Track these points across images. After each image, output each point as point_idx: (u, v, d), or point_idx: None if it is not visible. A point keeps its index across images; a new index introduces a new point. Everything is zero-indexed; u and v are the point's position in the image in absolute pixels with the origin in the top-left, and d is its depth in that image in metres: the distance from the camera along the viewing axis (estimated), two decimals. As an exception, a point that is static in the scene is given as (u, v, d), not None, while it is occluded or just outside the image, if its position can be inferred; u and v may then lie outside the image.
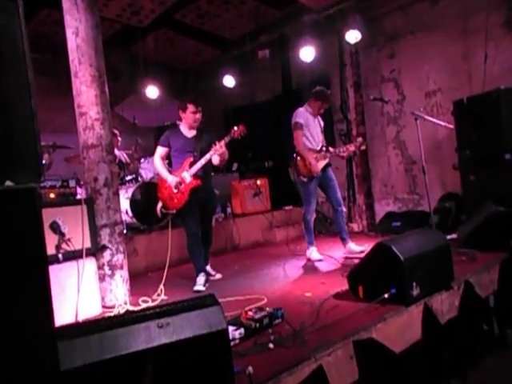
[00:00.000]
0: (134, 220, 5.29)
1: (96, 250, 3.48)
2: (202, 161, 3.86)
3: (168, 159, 4.28)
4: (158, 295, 3.61)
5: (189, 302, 1.82)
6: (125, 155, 6.21)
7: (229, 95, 7.88)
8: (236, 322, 2.42)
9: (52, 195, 3.81)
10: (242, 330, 2.33)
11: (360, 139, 4.81)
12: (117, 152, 5.65)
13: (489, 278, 3.37)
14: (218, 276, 4.23)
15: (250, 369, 1.88)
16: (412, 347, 2.58)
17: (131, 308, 3.37)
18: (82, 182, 4.12)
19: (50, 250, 3.09)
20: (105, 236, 3.56)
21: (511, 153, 4.28)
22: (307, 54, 6.19)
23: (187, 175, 3.87)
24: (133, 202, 5.28)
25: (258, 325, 2.43)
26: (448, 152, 5.31)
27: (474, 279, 3.18)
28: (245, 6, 6.72)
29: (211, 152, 3.85)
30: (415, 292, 2.68)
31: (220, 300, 1.85)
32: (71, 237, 3.25)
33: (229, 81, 7.27)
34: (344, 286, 3.13)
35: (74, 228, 3.29)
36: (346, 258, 4.47)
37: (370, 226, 6.46)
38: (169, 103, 7.33)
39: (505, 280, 3.46)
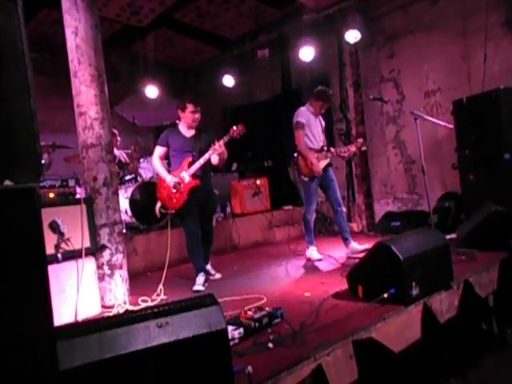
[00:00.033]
0: (134, 220, 5.29)
1: (95, 250, 3.48)
2: (201, 161, 3.86)
3: (167, 159, 4.27)
4: (158, 295, 3.61)
5: (188, 301, 1.82)
6: (124, 155, 6.21)
7: (228, 95, 7.88)
8: (235, 322, 2.42)
9: (51, 195, 3.81)
10: (241, 330, 2.33)
11: (361, 140, 4.80)
12: (116, 152, 5.65)
13: (488, 278, 3.38)
14: (218, 276, 4.23)
15: (250, 368, 1.88)
16: (411, 347, 2.58)
17: (130, 308, 3.37)
18: (81, 182, 4.12)
19: (50, 249, 3.10)
20: (104, 235, 3.56)
21: (510, 152, 4.29)
22: (307, 53, 6.19)
23: (186, 175, 3.87)
24: (132, 202, 5.28)
25: (257, 324, 2.43)
26: (447, 152, 5.31)
27: (474, 279, 3.19)
28: (244, 6, 6.72)
29: (210, 152, 3.85)
30: (415, 292, 2.68)
31: (219, 300, 1.85)
32: (70, 236, 3.25)
33: (228, 80, 7.27)
34: (343, 285, 3.13)
35: (74, 227, 3.29)
36: (349, 257, 4.45)
37: (370, 226, 6.46)
38: (168, 103, 7.32)
39: (504, 280, 3.46)
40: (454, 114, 4.77)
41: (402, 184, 6.29)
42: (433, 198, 4.90)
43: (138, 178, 5.79)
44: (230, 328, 2.23)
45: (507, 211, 3.83)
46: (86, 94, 3.57)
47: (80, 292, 3.23)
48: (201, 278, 3.82)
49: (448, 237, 3.83)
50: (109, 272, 3.57)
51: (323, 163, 4.54)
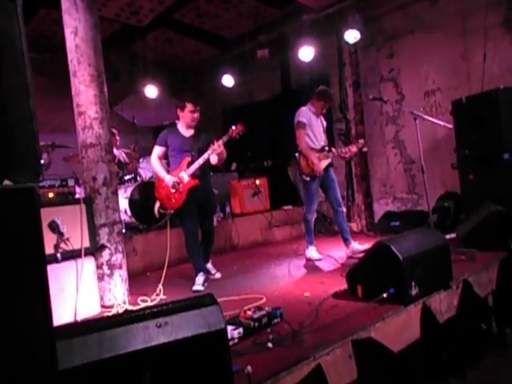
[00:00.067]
0: (133, 219, 5.29)
1: (95, 250, 3.48)
2: (200, 160, 3.84)
3: (166, 159, 4.26)
4: (157, 295, 3.61)
5: (187, 301, 1.82)
6: (123, 154, 6.21)
7: (228, 94, 7.88)
8: (235, 322, 2.42)
9: (51, 194, 3.81)
10: (240, 330, 2.33)
11: (362, 140, 4.80)
12: (115, 151, 5.65)
13: (487, 278, 3.38)
14: (218, 275, 4.23)
15: (249, 368, 1.88)
16: (411, 347, 2.58)
17: (130, 307, 3.37)
18: (80, 182, 4.12)
19: (49, 249, 3.10)
20: (104, 235, 3.56)
21: (510, 152, 4.29)
22: (306, 53, 6.19)
23: (185, 175, 3.86)
24: (132, 202, 5.27)
25: (256, 324, 2.43)
26: (447, 151, 5.31)
27: (473, 278, 3.19)
28: (244, 6, 6.72)
29: (209, 151, 3.84)
30: (414, 291, 2.68)
31: (219, 299, 1.85)
32: (70, 236, 3.25)
33: (228, 80, 7.27)
34: (343, 285, 3.13)
35: (73, 227, 3.29)
36: (349, 257, 4.44)
37: (369, 226, 6.46)
38: (168, 103, 7.33)
39: (504, 279, 3.46)
40: (453, 114, 4.77)
41: (402, 184, 6.29)
42: (432, 198, 4.90)
43: (138, 178, 5.79)
44: (229, 328, 2.23)
45: (507, 211, 3.83)
46: (85, 93, 3.57)
47: (79, 292, 3.23)
48: (200, 278, 3.82)
49: (447, 236, 3.82)
50: (108, 272, 3.57)
51: (324, 163, 4.53)
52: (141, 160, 6.03)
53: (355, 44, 6.10)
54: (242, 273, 4.35)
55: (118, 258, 3.63)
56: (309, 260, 4.59)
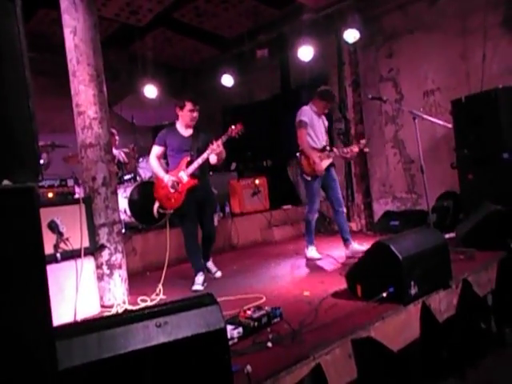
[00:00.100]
0: (133, 219, 5.29)
1: (94, 250, 3.48)
2: (199, 160, 3.83)
3: (165, 158, 4.25)
4: (157, 295, 3.61)
5: (187, 301, 1.82)
6: (123, 154, 6.21)
7: (228, 94, 7.88)
8: (234, 321, 2.42)
9: (50, 194, 3.82)
10: (240, 329, 2.33)
11: (364, 141, 4.79)
12: (115, 151, 5.65)
13: (487, 277, 3.38)
14: (219, 274, 4.22)
15: (249, 368, 1.88)
16: (410, 346, 2.58)
17: (130, 307, 3.37)
18: (80, 182, 4.12)
19: (48, 249, 3.09)
20: (103, 235, 3.56)
21: (509, 152, 4.29)
22: (306, 53, 6.19)
23: (184, 175, 3.84)
24: (131, 202, 5.27)
25: (256, 324, 2.43)
26: (446, 151, 5.32)
27: (472, 278, 3.19)
28: (243, 5, 6.72)
29: (208, 151, 3.81)
30: (413, 291, 2.68)
31: (218, 299, 1.85)
32: (69, 236, 3.25)
33: (227, 80, 7.26)
34: (342, 285, 3.13)
35: (73, 227, 3.29)
36: (348, 257, 4.43)
37: (369, 225, 6.47)
38: (167, 103, 7.32)
39: (503, 279, 3.46)
40: (452, 114, 4.78)
41: (401, 183, 6.29)
42: (432, 198, 4.90)
43: (137, 178, 5.79)
44: (229, 327, 2.23)
45: (506, 210, 3.84)
46: (84, 93, 3.57)
47: (79, 292, 3.23)
48: (200, 278, 3.82)
49: (447, 236, 3.83)
50: (108, 272, 3.57)
51: (326, 163, 4.52)
52: (140, 160, 6.03)
53: (354, 44, 6.10)
54: (241, 272, 4.35)
55: (118, 257, 3.63)
56: (308, 260, 4.59)
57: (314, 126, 4.58)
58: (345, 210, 4.76)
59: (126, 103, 7.59)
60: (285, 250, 5.30)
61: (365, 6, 6.11)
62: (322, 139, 4.63)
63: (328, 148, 4.60)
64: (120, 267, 3.63)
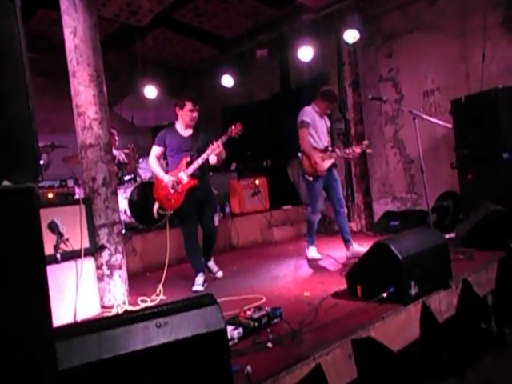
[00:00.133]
0: (133, 220, 5.29)
1: (94, 250, 3.48)
2: (199, 160, 3.82)
3: (165, 159, 4.25)
4: (157, 295, 3.61)
5: (187, 301, 1.82)
6: (123, 155, 6.20)
7: (227, 94, 7.88)
8: (234, 322, 2.42)
9: (50, 195, 3.82)
10: (240, 330, 2.33)
11: (366, 142, 4.76)
12: (115, 151, 5.65)
13: (487, 277, 3.38)
14: (220, 274, 4.21)
15: (249, 368, 1.88)
16: (410, 346, 2.58)
17: (130, 308, 3.37)
18: (80, 182, 4.12)
19: (48, 250, 3.09)
20: (103, 236, 3.56)
21: (509, 152, 4.29)
22: (305, 53, 6.19)
23: (184, 175, 3.83)
24: (131, 202, 5.27)
25: (256, 324, 2.43)
26: (446, 151, 5.32)
27: (472, 278, 3.19)
28: (243, 5, 6.72)
29: (208, 151, 3.80)
30: (413, 291, 2.69)
31: (218, 299, 1.85)
32: (69, 237, 3.25)
33: (227, 80, 7.26)
34: (342, 285, 3.13)
35: (73, 228, 3.28)
36: (349, 258, 4.42)
37: (369, 225, 6.46)
38: (167, 103, 7.33)
39: (503, 278, 3.46)
40: (452, 114, 4.78)
41: (401, 183, 6.29)
42: (431, 198, 4.90)
43: (137, 178, 5.79)
44: (229, 328, 2.23)
45: (506, 210, 3.84)
46: (84, 94, 3.57)
47: (79, 292, 3.23)
48: (200, 278, 3.82)
49: (447, 236, 3.83)
50: (108, 272, 3.57)
51: (327, 163, 4.51)
52: (140, 160, 6.03)
53: (354, 44, 6.10)
54: (241, 273, 4.34)
55: (118, 258, 3.63)
56: (309, 260, 4.59)
57: (316, 127, 4.56)
58: (346, 210, 4.75)
59: (126, 103, 7.59)
60: (285, 251, 5.30)
61: (364, 5, 6.11)
62: (324, 140, 4.62)
63: (330, 148, 4.59)
64: (120, 268, 3.63)
